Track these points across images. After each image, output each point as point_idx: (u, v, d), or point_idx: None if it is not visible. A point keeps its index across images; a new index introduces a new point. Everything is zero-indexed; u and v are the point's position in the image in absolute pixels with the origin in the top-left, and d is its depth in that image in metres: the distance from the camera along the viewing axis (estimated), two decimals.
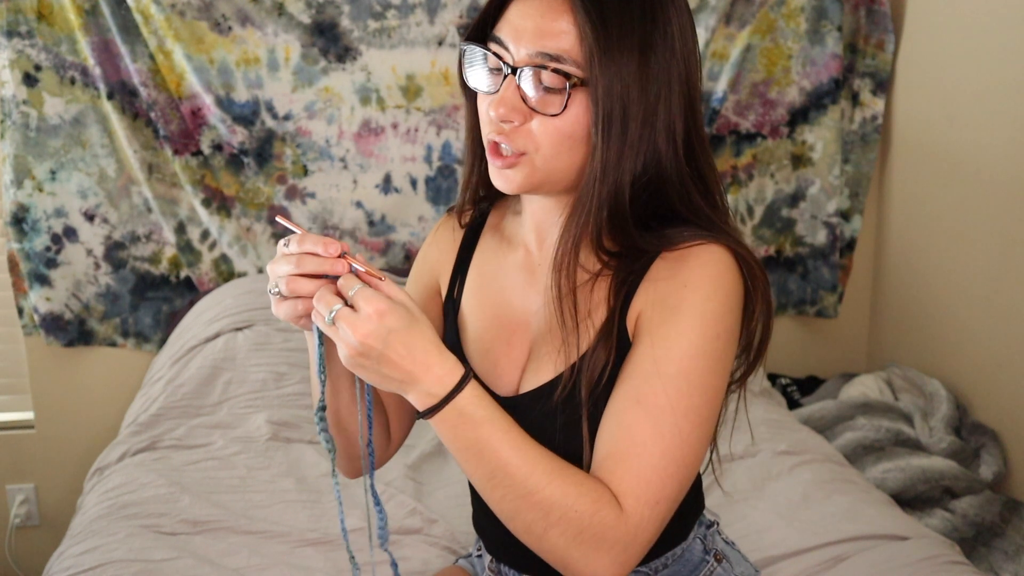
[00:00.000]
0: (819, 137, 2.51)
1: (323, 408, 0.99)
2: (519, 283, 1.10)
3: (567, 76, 0.93)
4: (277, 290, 0.93)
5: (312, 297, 0.92)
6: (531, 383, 1.05)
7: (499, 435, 0.92)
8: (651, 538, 0.95)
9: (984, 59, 2.16)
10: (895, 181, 2.55)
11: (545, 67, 0.93)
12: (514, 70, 0.95)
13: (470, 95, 1.05)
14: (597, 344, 0.99)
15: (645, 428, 0.94)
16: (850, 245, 2.62)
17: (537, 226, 1.08)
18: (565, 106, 0.93)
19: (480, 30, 1.01)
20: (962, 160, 2.25)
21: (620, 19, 0.92)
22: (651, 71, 0.94)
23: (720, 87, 2.44)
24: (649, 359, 0.95)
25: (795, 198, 2.56)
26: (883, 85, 2.50)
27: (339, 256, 0.91)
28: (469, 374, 0.93)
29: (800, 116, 2.51)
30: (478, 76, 1.00)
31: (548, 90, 0.94)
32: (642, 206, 0.98)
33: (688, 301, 0.96)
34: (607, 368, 0.98)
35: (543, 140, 0.96)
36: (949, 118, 2.30)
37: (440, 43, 2.35)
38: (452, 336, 1.14)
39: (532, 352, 1.07)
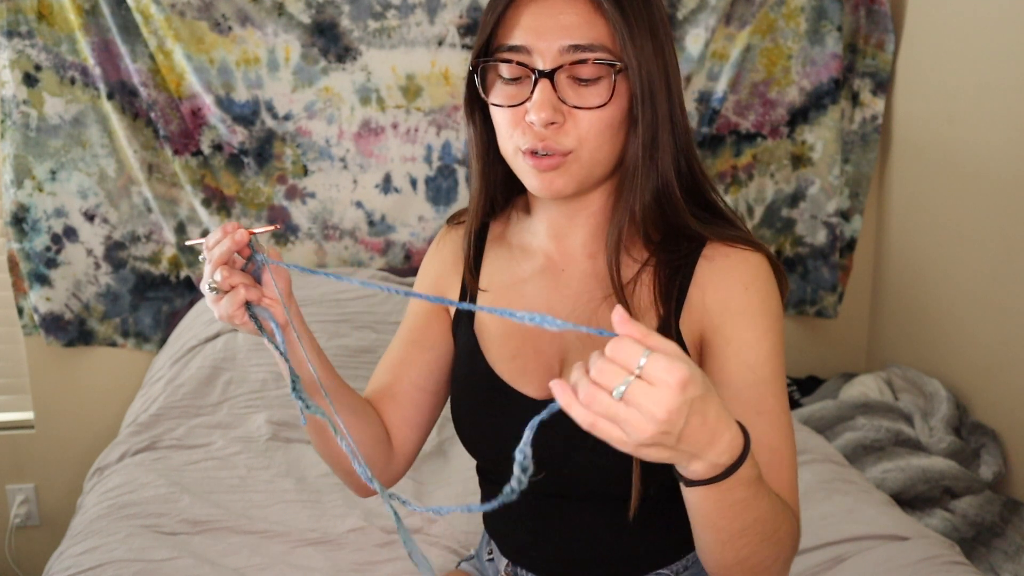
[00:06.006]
0: (819, 137, 2.51)
1: (297, 378, 0.95)
2: (543, 289, 1.08)
3: (611, 64, 0.93)
4: (213, 285, 0.92)
5: (239, 285, 0.92)
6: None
7: (764, 489, 0.86)
8: None
9: (984, 59, 2.16)
10: (895, 181, 2.55)
11: (585, 61, 0.93)
12: (544, 73, 0.93)
13: (478, 118, 1.04)
14: None
15: (774, 435, 0.96)
16: (850, 245, 2.62)
17: (556, 232, 1.07)
18: (612, 94, 0.94)
19: (483, 47, 0.99)
20: (962, 160, 2.25)
21: (631, 4, 0.94)
22: (661, 51, 0.96)
23: (720, 87, 2.44)
24: (747, 368, 0.97)
25: (795, 198, 2.56)
26: (883, 85, 2.50)
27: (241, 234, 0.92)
28: (748, 436, 0.82)
29: (800, 116, 2.51)
30: (497, 92, 0.98)
31: (584, 83, 0.94)
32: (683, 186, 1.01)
33: (755, 303, 0.98)
34: None
35: (588, 134, 0.95)
36: (949, 118, 2.30)
37: (440, 43, 2.35)
38: (470, 344, 1.11)
39: (568, 357, 1.05)
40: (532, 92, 0.94)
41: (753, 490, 0.84)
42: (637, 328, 0.71)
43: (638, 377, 0.71)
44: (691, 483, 0.82)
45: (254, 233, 0.93)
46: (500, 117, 0.99)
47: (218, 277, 0.92)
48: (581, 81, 0.94)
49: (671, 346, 0.72)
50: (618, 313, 0.72)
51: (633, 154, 0.97)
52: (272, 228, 0.97)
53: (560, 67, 0.93)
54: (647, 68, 0.94)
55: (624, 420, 0.71)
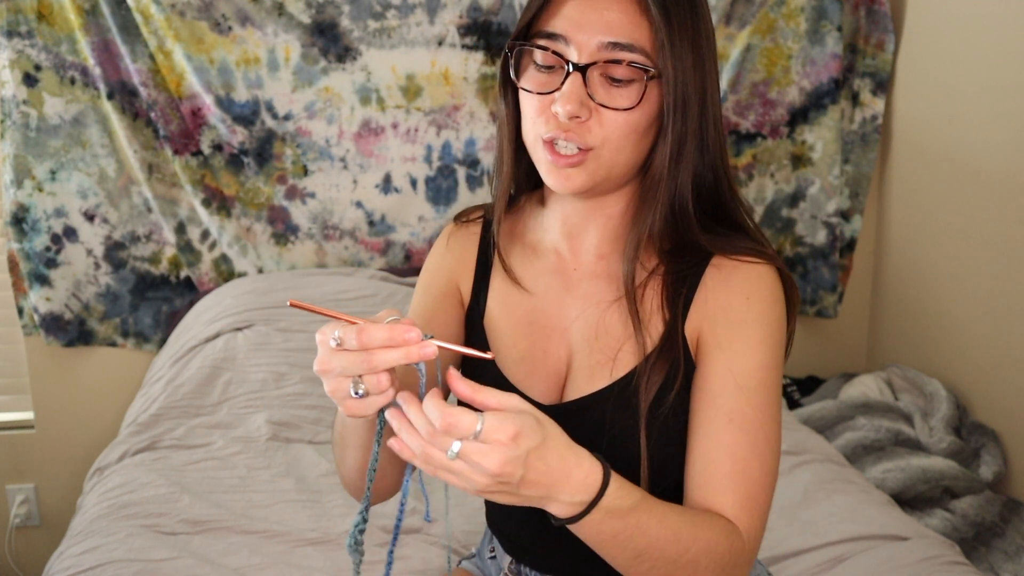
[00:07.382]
0: (819, 137, 2.51)
1: (364, 522, 0.87)
2: (553, 289, 1.07)
3: (644, 69, 0.92)
4: (362, 391, 0.78)
5: (389, 388, 0.79)
6: (578, 391, 1.03)
7: (645, 516, 0.86)
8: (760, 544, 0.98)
9: (984, 59, 2.16)
10: (895, 181, 2.55)
11: (619, 61, 0.92)
12: (578, 66, 0.93)
13: (510, 101, 1.03)
14: (659, 354, 0.99)
15: (743, 445, 0.95)
16: (850, 245, 2.62)
17: (568, 231, 1.06)
18: (641, 99, 0.93)
19: (523, 30, 0.99)
20: (962, 160, 2.25)
21: (677, 12, 0.93)
22: (703, 66, 0.96)
23: (720, 87, 2.44)
24: (729, 375, 0.96)
25: (795, 198, 2.56)
26: (883, 85, 2.50)
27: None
28: (609, 468, 0.84)
29: (800, 116, 2.51)
30: (529, 77, 0.98)
31: (616, 82, 0.94)
32: (702, 201, 1.00)
33: (754, 314, 0.98)
34: (672, 379, 0.98)
35: (612, 134, 0.94)
36: (949, 118, 2.30)
37: (440, 43, 2.35)
38: (480, 343, 1.10)
39: (574, 360, 1.05)
40: (563, 83, 0.93)
41: (633, 519, 0.85)
42: (468, 386, 0.78)
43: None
44: (559, 521, 0.84)
45: (444, 348, 0.79)
46: (528, 103, 0.98)
47: (385, 382, 0.78)
48: (613, 81, 0.93)
49: (505, 400, 0.78)
50: (452, 374, 0.79)
51: (660, 163, 0.96)
52: (471, 352, 0.81)
53: (594, 63, 0.93)
54: (683, 79, 0.93)
55: (459, 473, 0.78)
